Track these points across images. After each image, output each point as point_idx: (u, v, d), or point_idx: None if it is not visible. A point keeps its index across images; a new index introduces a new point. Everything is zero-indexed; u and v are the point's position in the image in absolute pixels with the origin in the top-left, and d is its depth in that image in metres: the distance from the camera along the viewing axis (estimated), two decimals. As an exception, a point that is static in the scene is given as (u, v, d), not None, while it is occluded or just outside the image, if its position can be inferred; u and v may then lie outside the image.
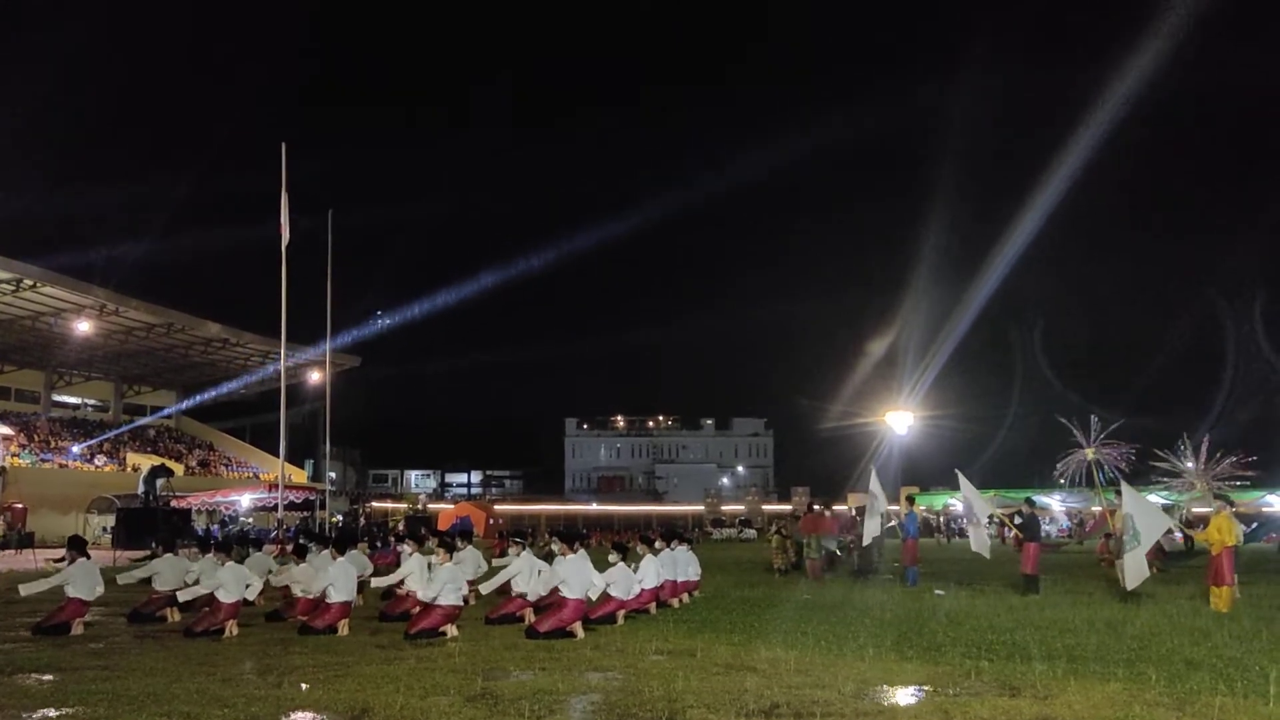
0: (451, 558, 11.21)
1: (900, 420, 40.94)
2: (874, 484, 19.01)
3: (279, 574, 12.93)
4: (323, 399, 37.03)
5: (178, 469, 45.75)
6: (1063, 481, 19.69)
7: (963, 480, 18.01)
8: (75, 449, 46.97)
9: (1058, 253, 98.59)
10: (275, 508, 32.16)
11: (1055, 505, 46.04)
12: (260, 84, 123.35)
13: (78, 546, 11.67)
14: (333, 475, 56.11)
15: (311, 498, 38.87)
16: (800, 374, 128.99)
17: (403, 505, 66.34)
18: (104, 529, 35.54)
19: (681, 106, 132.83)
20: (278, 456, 30.42)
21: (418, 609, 11.02)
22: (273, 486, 34.93)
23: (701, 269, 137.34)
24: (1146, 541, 13.64)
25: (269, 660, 8.99)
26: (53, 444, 46.56)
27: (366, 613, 12.55)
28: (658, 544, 13.77)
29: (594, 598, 11.09)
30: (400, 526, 38.98)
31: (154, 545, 23.66)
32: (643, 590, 12.26)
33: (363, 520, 46.65)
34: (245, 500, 40.22)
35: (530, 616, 11.24)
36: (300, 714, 6.63)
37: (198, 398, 55.63)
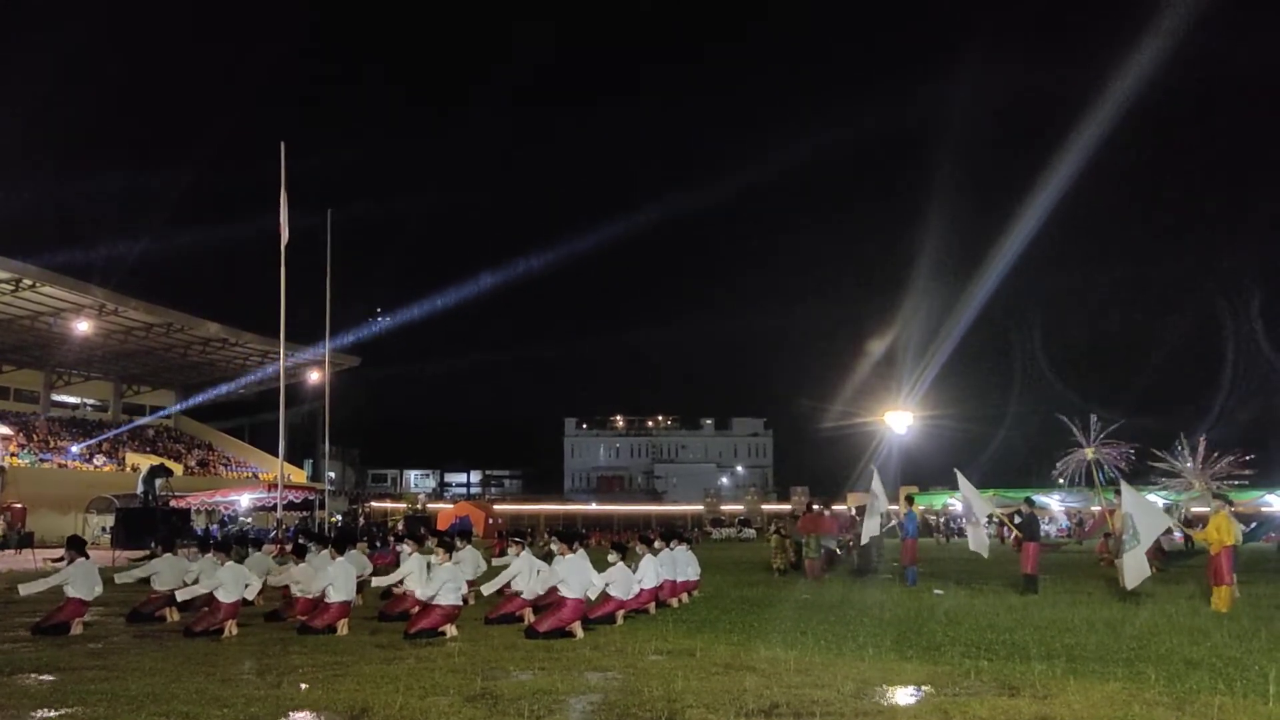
0: (451, 558, 11.21)
1: (899, 420, 40.98)
2: (875, 484, 19.02)
3: (278, 574, 12.92)
4: (322, 399, 37.08)
5: (177, 469, 45.75)
6: (1061, 481, 19.71)
7: (961, 480, 18.01)
8: (74, 449, 46.96)
9: (1057, 252, 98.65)
10: (274, 507, 32.13)
11: (1054, 505, 46.06)
12: (260, 83, 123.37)
13: (77, 546, 11.66)
14: (332, 475, 56.12)
15: (311, 497, 38.88)
16: (800, 374, 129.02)
17: (402, 505, 66.38)
18: (103, 529, 35.53)
19: (682, 106, 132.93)
20: (277, 456, 30.38)
21: (417, 609, 11.02)
22: (272, 486, 34.91)
23: (701, 269, 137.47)
24: (1146, 541, 13.65)
25: (268, 660, 8.98)
26: (52, 444, 46.54)
27: (366, 613, 12.55)
28: (657, 544, 13.77)
29: (593, 597, 11.09)
30: (399, 526, 38.99)
31: (153, 545, 23.65)
32: (642, 590, 12.26)
33: (362, 520, 46.65)
34: (244, 500, 40.21)
35: (530, 616, 11.24)
36: (300, 714, 6.63)
37: (197, 398, 55.62)
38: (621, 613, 11.60)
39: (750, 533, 53.77)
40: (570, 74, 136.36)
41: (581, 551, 11.17)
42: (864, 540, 19.24)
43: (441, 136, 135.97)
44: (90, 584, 11.24)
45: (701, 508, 67.30)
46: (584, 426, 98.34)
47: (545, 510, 67.23)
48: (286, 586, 12.55)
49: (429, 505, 66.78)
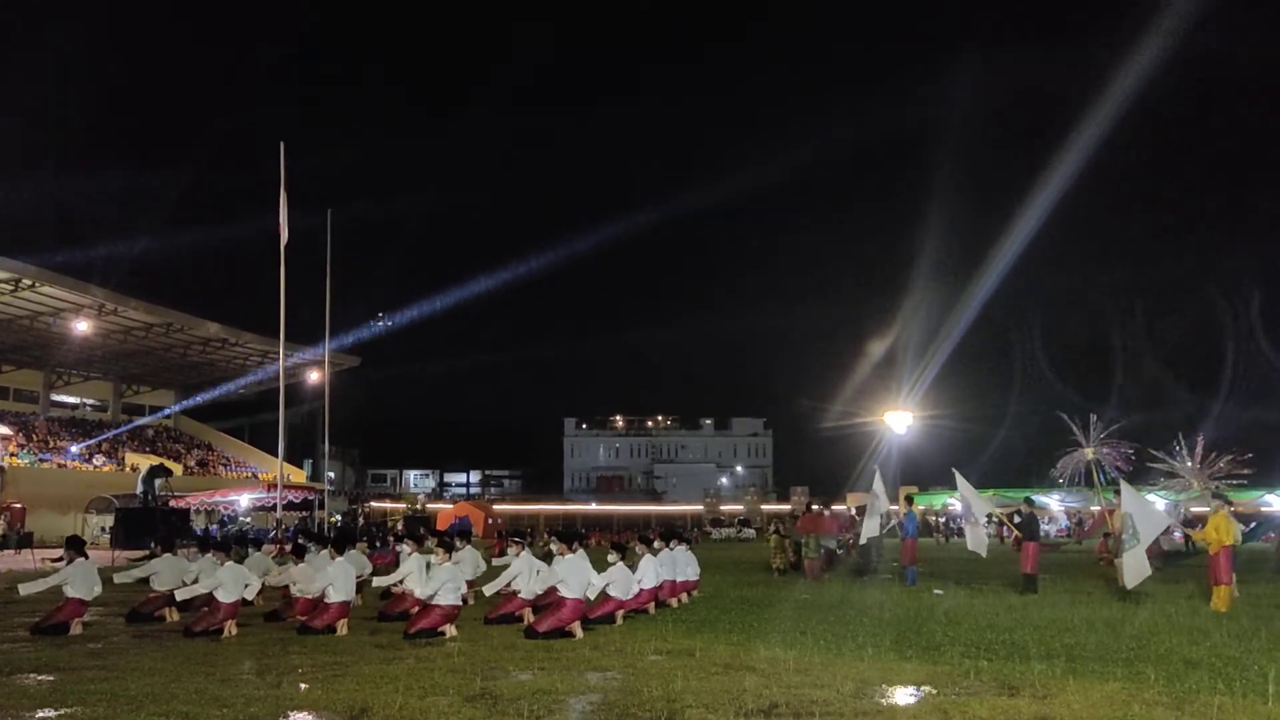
0: (450, 558, 11.21)
1: (899, 420, 41.02)
2: (877, 484, 19.06)
3: (277, 574, 12.92)
4: (321, 399, 37.06)
5: (176, 469, 45.75)
6: (1061, 481, 19.73)
7: (960, 480, 18.04)
8: (74, 449, 46.96)
9: (1057, 252, 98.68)
10: (274, 507, 32.12)
11: (1054, 505, 46.07)
12: (260, 83, 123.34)
13: (76, 546, 11.65)
14: (331, 475, 56.12)
15: (310, 497, 38.89)
16: (799, 374, 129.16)
17: (401, 505, 66.39)
18: (103, 529, 35.52)
19: (682, 106, 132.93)
20: (276, 456, 30.38)
21: (416, 609, 11.02)
22: (271, 486, 34.92)
23: (701, 269, 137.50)
24: (1145, 540, 13.66)
25: (268, 660, 8.98)
26: (51, 444, 46.54)
27: (365, 613, 12.55)
28: (656, 544, 13.77)
29: (592, 597, 11.09)
30: (399, 526, 38.98)
31: (152, 545, 23.64)
32: (641, 590, 12.26)
33: (361, 520, 46.64)
34: (244, 500, 40.22)
35: (529, 616, 11.24)
36: (299, 714, 6.62)
37: (197, 398, 55.62)
38: (621, 613, 11.60)
39: (750, 533, 53.78)
40: (570, 74, 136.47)
41: (581, 551, 11.17)
42: (863, 540, 19.26)
43: (441, 137, 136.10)
44: (89, 584, 11.24)
45: (701, 508, 67.31)
46: (584, 426, 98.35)
47: (545, 510, 67.24)
48: (286, 587, 12.55)
49: (428, 505, 66.80)
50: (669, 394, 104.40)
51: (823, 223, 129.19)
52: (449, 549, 11.50)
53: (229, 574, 11.04)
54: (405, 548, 13.62)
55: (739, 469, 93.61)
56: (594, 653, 9.19)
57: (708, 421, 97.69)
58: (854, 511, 25.32)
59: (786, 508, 53.29)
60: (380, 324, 57.26)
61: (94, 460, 47.34)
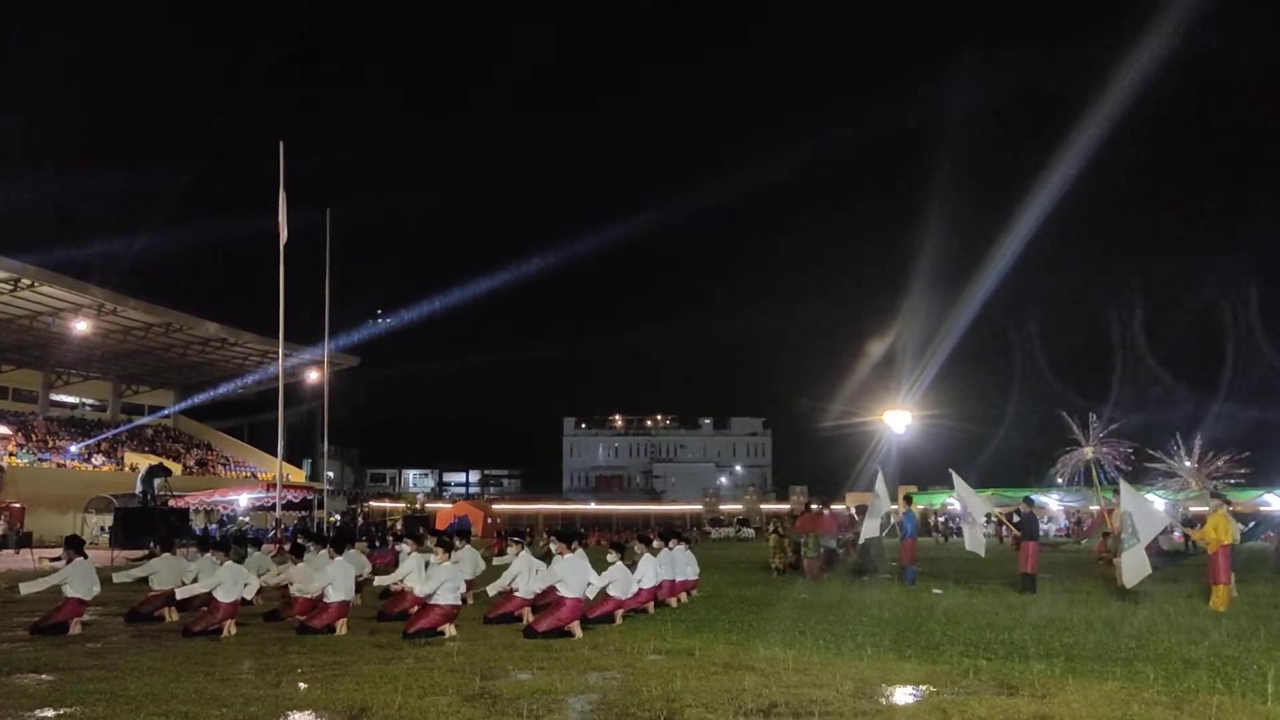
0: (449, 557, 11.21)
1: (898, 419, 41.01)
2: (879, 484, 19.10)
3: (276, 573, 12.92)
4: (321, 398, 37.06)
5: (176, 468, 45.73)
6: (1060, 480, 19.74)
7: (957, 480, 18.08)
8: (73, 448, 46.93)
9: (1057, 252, 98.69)
10: (273, 507, 32.12)
11: (1053, 504, 46.06)
12: (260, 83, 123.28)
13: (75, 546, 11.65)
14: (330, 475, 56.09)
15: (309, 497, 38.85)
16: (799, 374, 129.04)
17: (401, 505, 66.38)
18: (102, 528, 35.50)
19: (682, 106, 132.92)
20: (276, 456, 30.37)
21: (416, 608, 11.02)
22: (271, 486, 34.90)
23: (700, 269, 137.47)
24: (1145, 539, 13.67)
25: (267, 660, 8.98)
26: (51, 443, 46.52)
27: (365, 612, 12.54)
28: (656, 543, 13.78)
29: (591, 596, 11.09)
30: (398, 526, 38.99)
31: (152, 545, 23.64)
32: (641, 590, 12.26)
33: (361, 520, 46.63)
34: (243, 500, 40.18)
35: (528, 616, 11.24)
36: (298, 714, 6.62)
37: (196, 397, 55.60)
38: (620, 612, 11.60)
39: (749, 532, 53.77)
40: (570, 74, 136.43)
41: (580, 551, 11.17)
42: (863, 540, 19.27)
43: (441, 137, 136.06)
44: (88, 584, 11.24)
45: (700, 507, 67.28)
46: (583, 426, 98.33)
47: (544, 510, 67.21)
48: (285, 586, 12.54)
49: (428, 505, 66.80)
50: (668, 394, 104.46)
51: (823, 223, 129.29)
52: (448, 548, 11.49)
53: (228, 573, 11.04)
54: (405, 547, 13.63)
55: (738, 468, 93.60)
56: (593, 652, 9.19)
57: (707, 421, 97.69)
58: (853, 511, 25.33)
59: (786, 507, 53.27)
60: (379, 322, 57.26)
61: (93, 460, 47.33)
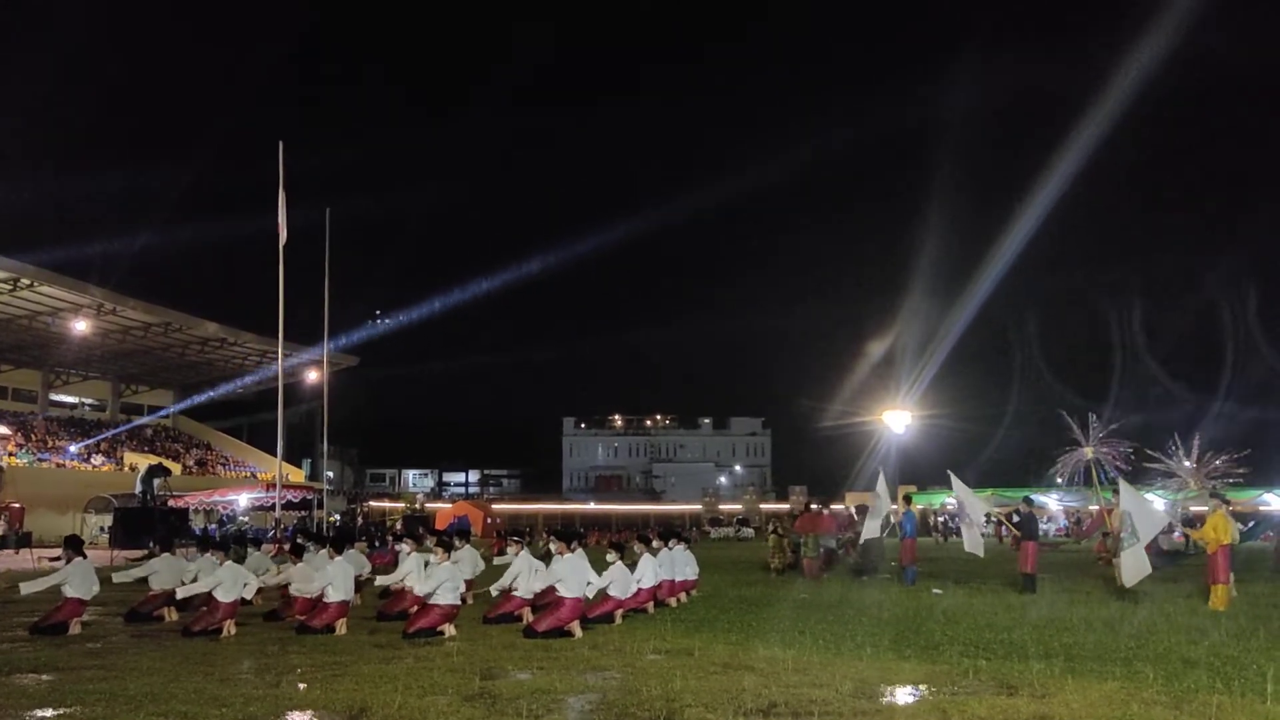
0: (449, 557, 11.21)
1: (898, 419, 41.02)
2: (880, 485, 19.12)
3: (274, 574, 12.91)
4: (320, 398, 37.07)
5: (175, 468, 45.71)
6: (1060, 480, 19.74)
7: (956, 481, 18.11)
8: (73, 448, 46.91)
9: (1057, 252, 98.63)
10: (273, 507, 32.13)
11: (1052, 504, 46.07)
12: (260, 83, 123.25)
13: (74, 546, 11.64)
14: (330, 474, 56.08)
15: (309, 497, 38.86)
16: (798, 374, 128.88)
17: (400, 505, 66.38)
18: (101, 528, 35.48)
19: (682, 106, 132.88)
20: (275, 456, 30.37)
21: (415, 608, 11.02)
22: (270, 486, 34.91)
23: (700, 269, 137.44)
24: (1145, 539, 13.68)
25: (267, 660, 8.98)
26: (50, 443, 46.50)
27: (364, 612, 12.54)
28: (655, 543, 13.78)
29: (590, 596, 11.09)
30: (398, 526, 38.98)
31: (151, 545, 23.64)
32: (640, 589, 12.26)
33: (360, 520, 46.64)
34: (243, 499, 40.18)
35: (528, 616, 11.24)
36: (298, 713, 6.62)
37: (195, 397, 55.60)
38: (620, 612, 11.60)
39: (749, 532, 53.78)
40: (570, 74, 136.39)
41: (580, 551, 11.17)
42: (863, 541, 19.27)
43: (441, 137, 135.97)
44: (88, 584, 11.24)
45: (700, 507, 67.28)
46: (582, 426, 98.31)
47: (544, 510, 67.21)
48: (285, 586, 12.54)
49: (427, 505, 66.80)
50: (668, 393, 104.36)
51: (823, 223, 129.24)
52: (447, 548, 11.49)
53: (228, 573, 11.04)
54: (404, 547, 13.63)
55: (738, 468, 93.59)
56: (593, 652, 9.19)
57: (706, 421, 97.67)
58: (853, 511, 25.33)
59: (785, 507, 53.27)
60: (379, 323, 57.28)
61: (93, 460, 47.31)
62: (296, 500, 38.37)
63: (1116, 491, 15.15)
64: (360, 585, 13.37)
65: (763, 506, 66.81)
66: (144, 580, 12.60)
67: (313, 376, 44.70)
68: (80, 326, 41.05)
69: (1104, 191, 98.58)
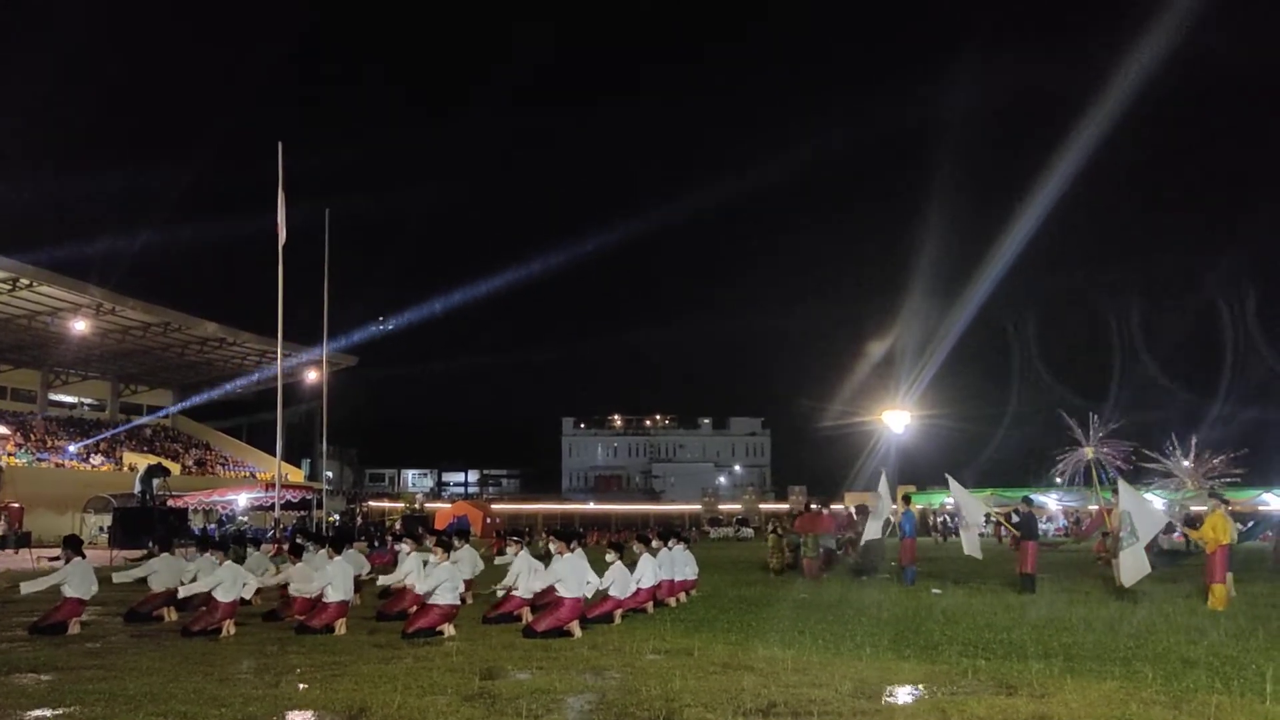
0: (448, 557, 11.21)
1: (897, 419, 41.02)
2: (882, 486, 19.16)
3: (273, 573, 12.91)
4: (320, 398, 37.06)
5: (174, 468, 45.68)
6: (1060, 480, 19.76)
7: (954, 484, 18.15)
8: (72, 448, 46.90)
9: (1057, 252, 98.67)
10: (272, 507, 32.13)
11: (1052, 504, 46.08)
12: (260, 83, 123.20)
13: (74, 546, 11.64)
14: (329, 474, 56.09)
15: (308, 497, 38.86)
16: (798, 373, 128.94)
17: (400, 505, 66.38)
18: (101, 528, 35.48)
19: (682, 106, 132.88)
20: (275, 456, 30.37)
21: (415, 608, 11.02)
22: (269, 486, 34.91)
23: (700, 269, 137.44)
24: (1144, 539, 13.68)
25: (266, 660, 8.98)
26: (49, 443, 46.49)
27: (364, 612, 12.54)
28: (655, 543, 13.78)
29: (589, 595, 11.09)
30: (397, 526, 39.00)
31: (151, 545, 23.65)
32: (640, 589, 12.26)
33: (359, 520, 46.64)
34: (242, 499, 40.19)
35: (527, 616, 11.24)
36: (297, 713, 6.62)
37: (195, 397, 55.59)
38: (619, 612, 11.61)
39: (748, 532, 53.77)
40: (570, 74, 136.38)
41: (579, 551, 11.17)
42: (864, 541, 19.27)
43: (441, 137, 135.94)
44: (87, 584, 11.24)
45: (699, 507, 67.28)
46: (582, 426, 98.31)
47: (543, 510, 67.20)
48: (284, 586, 12.54)
49: (427, 505, 66.80)
50: (667, 393, 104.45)
51: (823, 223, 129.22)
52: (447, 548, 11.49)
53: (228, 573, 11.04)
54: (404, 547, 13.64)
55: (737, 468, 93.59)
56: (592, 652, 9.20)
57: (706, 421, 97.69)
58: (852, 510, 25.35)
59: (785, 507, 53.27)
60: (381, 327, 57.26)
61: (92, 460, 47.29)
62: (296, 500, 38.38)
63: (1116, 491, 15.16)
64: (359, 585, 13.37)
65: (762, 506, 66.81)
66: (143, 580, 12.60)
67: (312, 376, 44.70)
68: (79, 326, 41.03)
69: (1104, 191, 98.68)
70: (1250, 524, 30.36)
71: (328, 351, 34.39)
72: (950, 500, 46.20)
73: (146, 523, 30.98)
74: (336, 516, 44.58)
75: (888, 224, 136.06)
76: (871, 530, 18.69)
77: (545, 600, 11.20)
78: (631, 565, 12.38)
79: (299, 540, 14.10)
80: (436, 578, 10.55)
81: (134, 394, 56.76)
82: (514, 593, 11.69)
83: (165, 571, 12.46)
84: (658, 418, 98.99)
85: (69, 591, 11.12)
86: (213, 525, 38.71)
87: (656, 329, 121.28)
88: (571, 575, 10.58)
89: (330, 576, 11.04)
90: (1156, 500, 22.25)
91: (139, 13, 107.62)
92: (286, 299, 27.25)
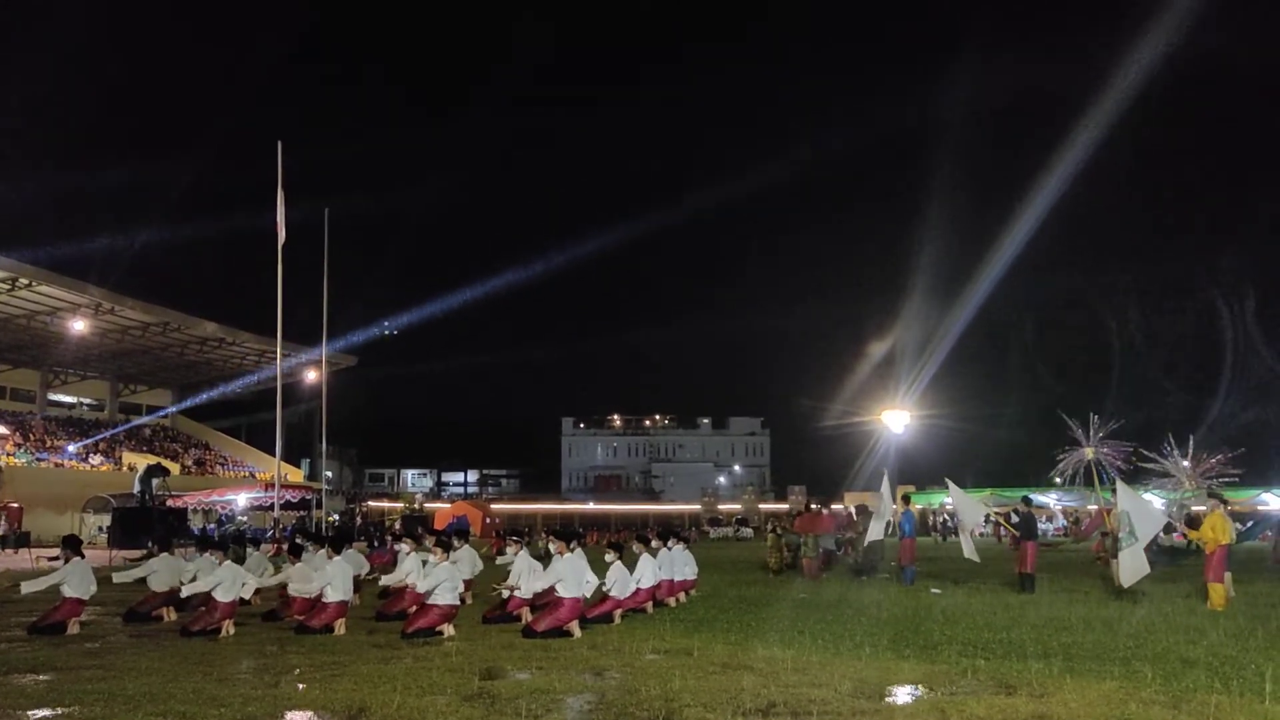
0: (448, 557, 11.21)
1: (897, 419, 41.03)
2: (884, 487, 19.18)
3: (272, 573, 12.91)
4: (319, 398, 37.06)
5: (174, 468, 45.68)
6: (1059, 481, 19.77)
7: (953, 488, 18.19)
8: (71, 448, 46.89)
9: (1056, 251, 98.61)
10: (271, 507, 32.13)
11: (1051, 504, 46.10)
12: (259, 82, 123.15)
13: (73, 546, 11.64)
14: (329, 474, 56.08)
15: (308, 497, 38.86)
16: (798, 373, 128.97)
17: (399, 505, 66.39)
18: (100, 528, 35.49)
19: (682, 106, 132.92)
20: (274, 456, 30.37)
21: (414, 608, 11.01)
22: (269, 486, 34.90)
23: (699, 269, 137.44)
24: (1144, 539, 13.68)
25: (265, 660, 8.97)
26: (48, 443, 46.47)
27: (363, 612, 12.54)
28: (654, 543, 13.78)
29: (589, 595, 11.09)
30: (397, 526, 39.00)
31: (150, 545, 23.64)
32: (639, 589, 12.26)
33: (359, 519, 46.63)
34: (241, 499, 40.19)
35: (527, 616, 11.24)
36: (297, 713, 6.62)
37: (194, 397, 55.58)
38: (619, 612, 11.61)
39: (748, 532, 53.77)
40: (570, 74, 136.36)
41: (579, 550, 11.17)
42: (867, 542, 19.28)
43: (441, 137, 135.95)
44: (86, 584, 11.24)
45: (699, 507, 67.30)
46: (581, 426, 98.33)
47: (543, 510, 67.20)
48: (284, 586, 12.54)
49: (426, 505, 66.80)
50: (667, 393, 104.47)
51: (823, 223, 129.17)
52: (446, 548, 11.49)
53: (227, 573, 11.04)
54: (404, 547, 13.64)
55: (737, 468, 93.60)
56: (592, 652, 9.19)
57: (705, 421, 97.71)
58: (852, 510, 25.37)
59: (784, 507, 53.28)
60: (385, 329, 57.28)
61: (91, 460, 47.28)
62: (295, 500, 38.37)
63: (1115, 491, 15.17)
64: (359, 585, 13.37)
65: (762, 506, 66.82)
66: (143, 580, 12.60)
67: (311, 376, 44.70)
68: (79, 326, 41.02)
69: (1104, 192, 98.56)
70: (1249, 524, 30.39)
71: (327, 351, 34.39)
72: (949, 501, 46.29)
73: (146, 523, 30.97)
74: (336, 516, 44.58)
75: (888, 224, 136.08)
76: (874, 531, 18.71)
77: (545, 600, 11.20)
78: (631, 565, 12.38)
79: (298, 540, 14.09)
80: (436, 578, 10.55)
81: (133, 394, 56.75)
82: (515, 593, 11.68)
83: (164, 571, 12.46)
84: (657, 418, 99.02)
85: (68, 591, 11.12)
86: (212, 525, 38.72)
87: (656, 329, 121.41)
88: (571, 575, 10.57)
89: (330, 576, 11.04)
90: (1155, 500, 22.25)
91: (139, 12, 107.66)
92: (286, 299, 27.28)
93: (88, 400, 55.12)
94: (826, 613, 12.46)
